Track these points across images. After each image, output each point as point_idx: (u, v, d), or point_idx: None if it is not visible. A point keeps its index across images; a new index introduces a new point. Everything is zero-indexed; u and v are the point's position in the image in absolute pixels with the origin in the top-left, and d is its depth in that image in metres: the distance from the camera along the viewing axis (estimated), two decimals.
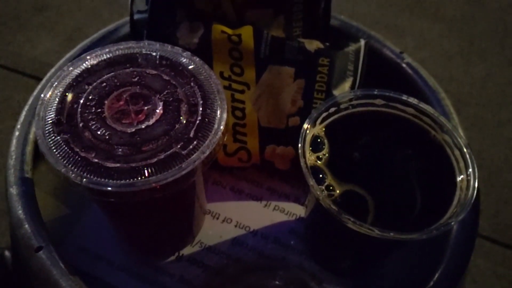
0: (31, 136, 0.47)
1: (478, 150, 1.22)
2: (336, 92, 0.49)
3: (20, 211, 0.41)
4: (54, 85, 0.37)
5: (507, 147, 1.25)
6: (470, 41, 1.44)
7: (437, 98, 0.52)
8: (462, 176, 0.38)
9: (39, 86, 0.50)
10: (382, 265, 0.45)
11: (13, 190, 0.43)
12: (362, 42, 0.52)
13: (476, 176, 0.37)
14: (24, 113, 0.48)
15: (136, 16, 0.52)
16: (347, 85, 0.50)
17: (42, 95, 0.36)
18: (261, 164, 0.50)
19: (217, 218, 0.49)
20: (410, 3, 1.53)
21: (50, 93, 0.37)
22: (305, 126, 0.39)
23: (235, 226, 0.48)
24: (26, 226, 0.41)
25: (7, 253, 0.91)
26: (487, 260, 1.07)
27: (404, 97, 0.41)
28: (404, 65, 0.55)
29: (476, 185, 0.36)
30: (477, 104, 1.31)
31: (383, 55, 0.56)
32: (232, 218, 0.49)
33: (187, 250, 0.47)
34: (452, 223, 0.34)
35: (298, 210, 0.50)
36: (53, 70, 0.51)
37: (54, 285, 0.38)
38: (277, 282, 0.44)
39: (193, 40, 0.49)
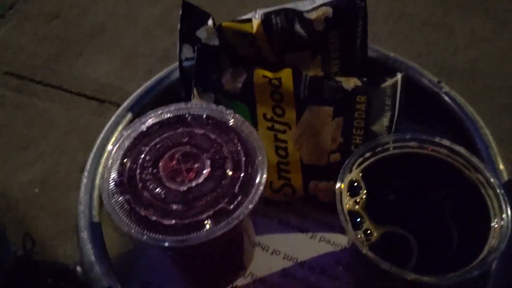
0: (97, 182, 0.52)
1: None
2: (374, 128, 0.51)
3: (91, 255, 0.47)
4: (115, 148, 0.42)
5: None
6: None
7: (476, 127, 0.53)
8: (496, 219, 0.39)
9: (102, 134, 0.56)
10: None
11: (84, 235, 0.48)
12: (399, 76, 0.54)
13: (510, 219, 0.38)
14: (89, 161, 0.54)
15: (184, 64, 0.56)
16: (385, 120, 0.52)
17: (104, 159, 0.41)
18: (306, 198, 0.53)
19: (267, 250, 0.53)
20: (459, 1, 1.50)
21: (112, 155, 0.41)
22: (338, 185, 0.41)
23: (283, 258, 0.52)
24: (97, 269, 0.46)
25: (78, 268, 1.00)
26: None
27: (437, 139, 0.43)
28: (442, 94, 0.56)
29: (510, 228, 0.38)
30: None
31: (421, 85, 0.57)
32: (280, 250, 0.52)
33: (240, 282, 0.51)
34: (476, 272, 0.36)
35: (343, 240, 0.53)
36: (113, 118, 0.57)
37: None
38: None
39: (237, 85, 0.53)
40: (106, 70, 1.46)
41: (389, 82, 0.53)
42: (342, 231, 0.53)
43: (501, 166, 0.50)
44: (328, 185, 0.52)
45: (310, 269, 0.51)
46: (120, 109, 0.57)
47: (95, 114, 1.35)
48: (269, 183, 0.53)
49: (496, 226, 0.39)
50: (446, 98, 0.56)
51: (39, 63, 1.50)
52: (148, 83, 0.59)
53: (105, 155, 0.41)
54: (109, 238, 0.51)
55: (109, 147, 0.42)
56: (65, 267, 0.99)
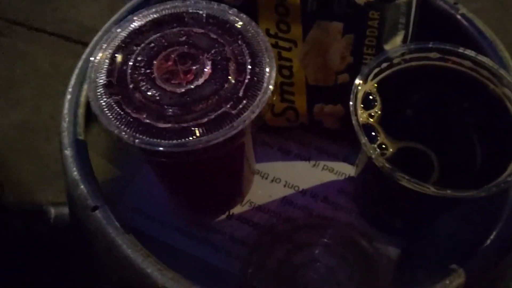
0: (82, 99, 0.47)
1: None
2: (387, 47, 0.47)
3: (75, 172, 0.42)
4: (103, 47, 0.37)
5: None
6: None
7: (495, 50, 0.49)
8: None
9: (88, 49, 0.51)
10: (435, 223, 0.45)
11: (68, 152, 0.44)
12: None
13: None
14: (74, 76, 0.49)
15: None
16: (398, 39, 0.48)
17: (92, 58, 0.36)
18: (309, 124, 0.50)
19: (266, 178, 0.49)
20: None
21: (100, 55, 0.37)
22: (357, 82, 0.37)
23: (284, 185, 0.48)
24: (82, 186, 0.42)
25: (51, 209, 0.95)
26: None
27: (461, 50, 0.39)
28: (458, 16, 0.52)
29: None
30: None
31: (437, 6, 0.53)
32: (281, 178, 0.49)
33: (237, 210, 0.47)
34: (506, 185, 0.33)
35: (347, 170, 0.49)
36: (100, 33, 0.52)
37: (110, 242, 0.39)
38: (326, 240, 0.44)
39: None
40: (91, 13, 1.39)
41: None
42: (346, 160, 0.50)
43: None
44: (334, 109, 0.48)
45: (312, 197, 0.48)
46: (108, 23, 0.53)
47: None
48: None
49: None
50: (463, 20, 0.52)
51: (21, 5, 1.42)
52: None
53: (93, 55, 0.36)
54: (96, 164, 0.46)
55: (97, 48, 0.37)
56: (37, 207, 0.94)
